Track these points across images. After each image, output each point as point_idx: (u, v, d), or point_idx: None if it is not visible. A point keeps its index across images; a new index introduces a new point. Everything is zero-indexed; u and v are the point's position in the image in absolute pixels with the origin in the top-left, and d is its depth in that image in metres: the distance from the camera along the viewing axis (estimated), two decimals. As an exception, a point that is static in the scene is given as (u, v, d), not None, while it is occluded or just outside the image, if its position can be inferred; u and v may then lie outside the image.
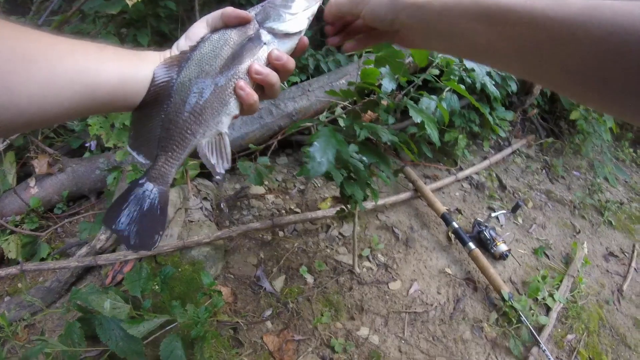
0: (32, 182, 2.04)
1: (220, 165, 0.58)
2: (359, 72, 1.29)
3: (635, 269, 2.29)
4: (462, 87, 1.49)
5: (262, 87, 0.59)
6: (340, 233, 2.01)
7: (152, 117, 0.55)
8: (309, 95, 2.10)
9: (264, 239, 1.93)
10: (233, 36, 0.57)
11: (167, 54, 0.56)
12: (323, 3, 0.64)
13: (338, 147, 1.07)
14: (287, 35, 0.60)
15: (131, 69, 0.52)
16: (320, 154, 1.06)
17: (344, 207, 1.51)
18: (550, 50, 0.42)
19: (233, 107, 0.57)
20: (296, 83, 2.26)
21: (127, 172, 1.93)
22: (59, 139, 2.31)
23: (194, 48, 0.56)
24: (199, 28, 0.58)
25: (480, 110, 2.14)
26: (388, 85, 1.34)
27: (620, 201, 2.84)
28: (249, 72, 0.57)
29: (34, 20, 2.33)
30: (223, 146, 0.58)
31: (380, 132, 1.12)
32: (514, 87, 2.37)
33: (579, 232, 2.45)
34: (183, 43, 0.57)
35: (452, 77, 1.75)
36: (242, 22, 0.59)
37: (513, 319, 1.75)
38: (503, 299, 1.77)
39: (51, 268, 1.71)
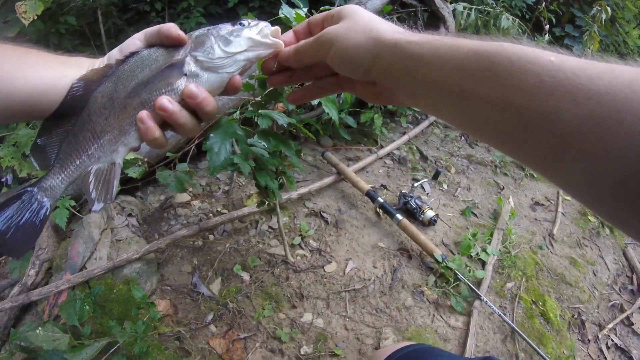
0: None
1: (99, 199, 0.53)
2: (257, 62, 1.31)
3: (562, 213, 2.46)
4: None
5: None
6: (269, 226, 2.02)
7: (59, 127, 0.52)
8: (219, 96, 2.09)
9: (195, 245, 1.92)
10: (159, 59, 0.52)
11: (96, 62, 0.54)
12: None
13: (235, 136, 1.09)
14: (215, 71, 0.53)
15: (53, 77, 0.49)
16: (218, 145, 1.07)
17: (263, 199, 1.53)
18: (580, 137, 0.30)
19: (132, 139, 0.52)
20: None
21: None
22: None
23: (119, 63, 0.52)
24: (134, 41, 0.54)
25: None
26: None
27: None
28: (154, 105, 0.50)
29: None
30: (111, 178, 0.53)
31: (277, 117, 1.15)
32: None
33: (503, 188, 2.60)
34: (115, 54, 0.54)
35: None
36: (176, 44, 0.53)
37: (450, 279, 1.83)
38: (437, 262, 1.86)
39: None
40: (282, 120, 1.13)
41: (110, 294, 1.67)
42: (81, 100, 0.51)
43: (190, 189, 2.16)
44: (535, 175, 2.78)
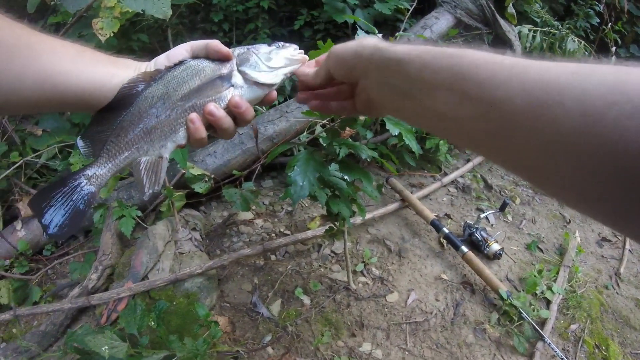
0: (18, 225, 2.03)
1: (148, 187, 0.58)
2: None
3: (630, 250, 2.31)
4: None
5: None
6: (332, 251, 2.00)
7: (109, 120, 0.56)
8: (287, 117, 2.11)
9: (257, 265, 1.92)
10: (207, 69, 0.58)
11: (143, 66, 0.58)
12: None
13: (318, 169, 1.07)
14: (258, 84, 0.60)
15: (104, 76, 0.53)
16: (302, 177, 1.07)
17: (332, 225, 1.51)
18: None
19: (181, 137, 0.58)
20: (274, 106, 2.28)
21: (113, 209, 1.91)
22: (42, 179, 2.30)
23: (168, 69, 0.58)
24: (181, 50, 0.60)
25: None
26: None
27: None
28: (203, 109, 0.57)
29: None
30: (159, 170, 0.59)
31: (359, 150, 1.13)
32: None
33: (569, 222, 2.47)
34: (162, 61, 0.59)
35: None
36: (222, 58, 0.59)
37: (514, 317, 1.75)
38: (502, 298, 1.77)
39: (44, 311, 1.70)
40: (366, 154, 1.11)
41: (170, 306, 1.69)
42: (130, 99, 0.56)
43: (254, 208, 2.18)
44: None
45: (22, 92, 0.47)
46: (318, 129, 1.84)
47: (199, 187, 1.90)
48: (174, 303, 1.71)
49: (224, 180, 2.09)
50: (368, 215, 2.08)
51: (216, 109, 0.57)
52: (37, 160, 2.17)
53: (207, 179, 1.91)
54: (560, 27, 3.09)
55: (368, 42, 0.52)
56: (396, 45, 0.48)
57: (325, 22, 2.76)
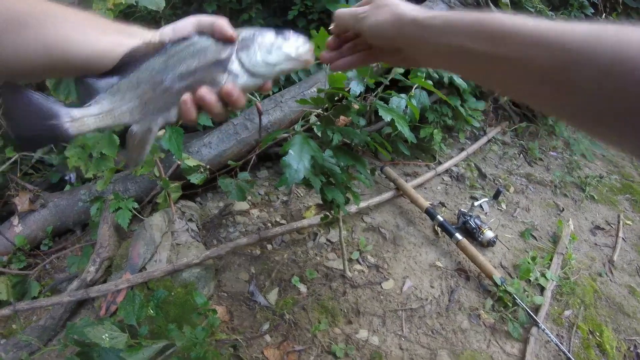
0: (15, 220, 2.03)
1: (135, 155, 0.60)
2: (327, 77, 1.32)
3: (623, 238, 2.34)
4: (430, 82, 1.53)
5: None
6: (327, 239, 2.02)
7: (110, 81, 0.57)
8: (282, 107, 2.12)
9: (253, 254, 1.94)
10: (207, 51, 0.58)
11: (149, 36, 0.58)
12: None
13: (313, 153, 1.08)
14: (253, 75, 0.60)
15: (110, 44, 0.54)
16: (296, 161, 1.07)
17: (327, 213, 1.52)
18: (552, 76, 0.39)
19: (172, 115, 0.59)
20: (269, 95, 2.28)
21: (110, 202, 1.92)
22: (38, 174, 2.30)
23: (174, 43, 0.58)
24: (187, 24, 0.59)
25: (451, 103, 2.18)
26: (356, 88, 1.36)
27: (600, 175, 2.90)
28: (196, 92, 0.57)
29: None
30: (146, 141, 0.60)
31: (353, 135, 1.14)
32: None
33: (563, 210, 2.50)
34: (167, 32, 0.59)
35: (419, 73, 1.78)
36: (226, 40, 0.59)
37: (509, 303, 1.77)
38: (496, 285, 1.80)
39: (44, 305, 1.71)
40: (359, 138, 1.12)
41: (168, 296, 1.70)
42: (131, 66, 0.56)
43: (250, 198, 2.19)
44: (596, 197, 2.66)
45: (33, 59, 0.49)
46: (312, 118, 1.85)
47: (195, 178, 1.91)
48: (172, 293, 1.72)
49: (219, 170, 2.10)
50: (363, 204, 2.10)
51: (208, 94, 0.57)
52: (33, 154, 2.16)
53: (202, 170, 1.92)
54: (553, 17, 3.09)
55: (405, 14, 0.55)
56: (433, 15, 0.52)
57: (319, 12, 2.75)
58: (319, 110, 1.57)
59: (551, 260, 2.05)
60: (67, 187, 2.19)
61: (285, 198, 2.27)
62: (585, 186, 2.72)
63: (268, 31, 0.61)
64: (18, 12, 0.47)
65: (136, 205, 1.96)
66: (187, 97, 0.57)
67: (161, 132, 2.00)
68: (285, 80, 2.45)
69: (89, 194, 2.08)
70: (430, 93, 2.18)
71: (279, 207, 2.23)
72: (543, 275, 1.95)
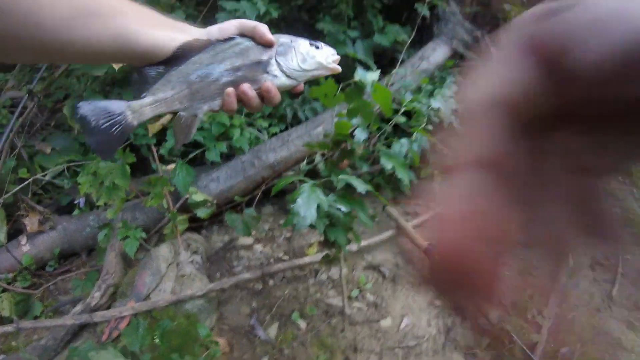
0: (23, 239, 2.09)
1: (181, 139, 0.68)
2: (334, 122, 1.40)
3: (622, 273, 2.35)
4: (430, 127, 1.61)
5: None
6: (328, 276, 2.06)
7: (161, 72, 0.65)
8: (288, 146, 2.20)
9: (255, 288, 1.98)
10: (250, 52, 0.67)
11: (197, 33, 0.67)
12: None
13: (319, 202, 1.16)
14: (289, 77, 0.69)
15: (165, 38, 0.62)
16: (304, 209, 1.15)
17: (329, 252, 1.58)
18: None
19: (216, 104, 0.67)
20: (276, 134, 2.36)
21: (118, 229, 1.98)
22: (47, 195, 2.36)
23: (220, 41, 0.66)
24: (231, 26, 0.68)
25: (452, 145, 2.24)
26: (360, 135, 1.44)
27: None
28: (239, 87, 0.66)
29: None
30: (192, 126, 0.68)
31: (355, 183, 1.21)
32: (481, 118, 2.50)
33: (562, 247, 2.53)
34: (214, 30, 0.67)
35: (421, 117, 1.87)
36: (265, 44, 0.68)
37: (505, 341, 1.79)
38: (492, 323, 1.82)
39: (47, 326, 1.76)
40: (361, 187, 1.19)
41: (171, 325, 1.74)
42: (182, 57, 0.64)
43: (254, 232, 2.24)
44: None
45: (100, 46, 0.56)
46: (317, 157, 1.92)
47: (202, 212, 1.97)
48: (175, 323, 1.76)
49: (225, 205, 2.17)
50: (364, 243, 2.15)
51: (249, 90, 0.66)
52: (44, 177, 2.23)
53: (209, 204, 1.99)
54: None
55: None
56: None
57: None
58: (325, 151, 1.65)
59: (549, 297, 2.08)
60: (76, 212, 2.25)
61: (288, 234, 2.32)
62: None
63: (303, 40, 0.70)
64: (89, 3, 0.54)
65: (144, 235, 2.02)
66: (230, 90, 0.66)
67: (171, 166, 2.08)
68: (292, 118, 2.54)
69: (98, 220, 2.14)
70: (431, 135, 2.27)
71: (282, 243, 2.28)
72: (540, 312, 1.96)
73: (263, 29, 0.67)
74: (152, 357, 1.56)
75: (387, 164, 1.33)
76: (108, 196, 1.98)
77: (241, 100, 0.67)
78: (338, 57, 0.71)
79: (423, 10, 2.68)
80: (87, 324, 1.79)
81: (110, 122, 0.62)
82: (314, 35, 2.71)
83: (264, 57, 0.68)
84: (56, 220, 2.15)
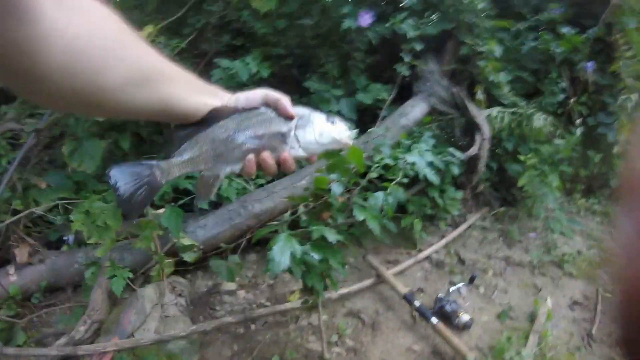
0: (11, 269, 2.14)
1: (203, 196, 0.74)
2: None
3: (602, 311, 2.41)
4: (406, 180, 1.73)
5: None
6: (309, 322, 2.13)
7: (190, 133, 0.71)
8: (273, 197, 2.31)
9: (237, 332, 2.04)
10: (272, 123, 0.72)
11: (226, 97, 0.73)
12: None
13: (292, 250, 1.27)
14: (305, 149, 0.74)
15: (201, 104, 0.68)
16: (279, 256, 1.26)
17: (308, 298, 1.67)
18: None
19: (237, 167, 0.72)
20: (262, 185, 2.48)
21: (106, 268, 2.04)
22: (37, 229, 2.41)
23: (246, 110, 0.72)
24: (257, 96, 0.73)
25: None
26: (337, 189, 1.57)
27: (578, 251, 2.99)
28: (259, 155, 0.71)
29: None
30: (214, 185, 0.73)
31: (327, 233, 1.33)
32: (456, 170, 2.65)
33: (541, 289, 2.58)
34: (242, 98, 0.73)
35: (397, 171, 2.01)
36: (286, 117, 0.73)
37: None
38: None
39: (31, 354, 1.80)
40: (332, 237, 1.30)
41: (153, 364, 1.78)
42: (211, 121, 0.70)
43: (237, 279, 2.32)
44: (574, 273, 2.74)
45: (148, 108, 0.62)
46: (301, 209, 2.04)
47: (189, 257, 2.06)
48: (158, 362, 1.81)
49: (211, 251, 2.25)
50: (344, 290, 2.23)
51: (269, 158, 0.71)
52: (35, 210, 2.27)
53: (196, 249, 2.07)
54: (526, 106, 3.28)
55: None
56: None
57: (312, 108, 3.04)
58: (307, 202, 1.77)
59: (527, 339, 2.12)
60: (65, 247, 2.32)
61: (271, 282, 2.40)
62: (562, 263, 2.81)
63: (320, 115, 0.75)
64: (143, 70, 0.60)
65: (131, 275, 2.08)
66: (251, 157, 0.71)
67: (161, 211, 2.18)
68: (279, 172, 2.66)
69: (86, 257, 2.20)
70: (408, 187, 2.40)
71: (265, 289, 2.35)
72: (518, 353, 2.01)
73: (285, 102, 0.72)
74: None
75: (360, 216, 1.44)
76: (99, 235, 2.05)
77: (260, 166, 0.72)
78: (350, 133, 0.76)
79: (403, 70, 2.88)
80: (70, 356, 1.82)
81: (139, 184, 0.67)
82: (303, 92, 2.91)
83: (284, 129, 0.73)
84: (45, 254, 2.22)
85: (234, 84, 2.51)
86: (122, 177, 0.66)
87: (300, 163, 1.97)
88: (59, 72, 0.50)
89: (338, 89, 2.92)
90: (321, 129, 0.74)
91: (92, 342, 1.89)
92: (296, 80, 3.10)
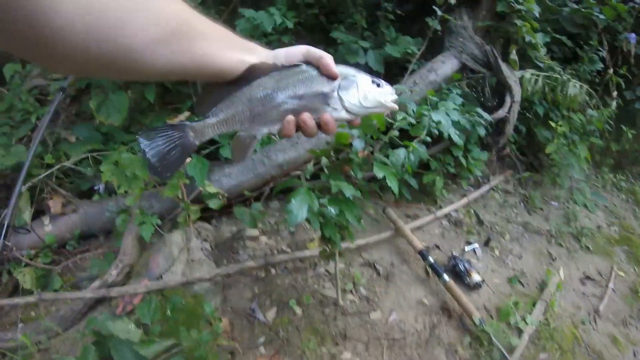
0: (46, 220, 2.27)
1: (237, 158, 0.71)
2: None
3: (613, 289, 2.45)
4: (429, 138, 1.74)
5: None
6: (326, 270, 2.23)
7: (225, 92, 0.67)
8: (297, 148, 2.35)
9: (258, 276, 2.16)
10: (313, 82, 0.68)
11: (264, 54, 0.69)
12: None
13: (310, 203, 1.33)
14: (348, 112, 0.70)
15: (237, 61, 0.64)
16: (297, 209, 1.32)
17: (326, 247, 1.74)
18: None
19: (275, 128, 0.68)
20: (288, 134, 2.52)
21: (136, 215, 2.17)
22: (68, 180, 2.52)
23: (285, 67, 0.68)
24: (297, 52, 0.69)
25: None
26: (358, 145, 1.60)
27: (598, 226, 3.00)
28: (299, 116, 0.67)
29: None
30: (250, 146, 0.70)
31: (345, 189, 1.37)
32: (482, 131, 2.62)
33: (555, 259, 2.63)
34: (281, 55, 0.69)
35: (422, 127, 2.01)
36: (329, 77, 0.69)
37: (485, 342, 1.92)
38: (475, 324, 1.96)
39: (68, 298, 1.94)
40: (350, 192, 1.35)
41: (180, 302, 1.93)
42: (248, 80, 0.67)
43: (260, 225, 2.42)
44: (591, 248, 2.77)
45: (181, 67, 0.58)
46: (324, 160, 2.08)
47: (213, 204, 2.15)
48: (183, 302, 1.95)
49: (235, 198, 2.34)
50: (362, 241, 2.30)
51: (309, 119, 0.66)
52: (66, 164, 2.38)
53: (221, 197, 2.16)
54: (562, 72, 3.21)
55: None
56: None
57: (337, 61, 3.01)
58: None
59: (534, 306, 2.19)
60: (96, 197, 2.44)
61: (292, 229, 2.49)
62: (581, 237, 2.83)
63: (365, 76, 0.71)
64: (173, 27, 0.55)
65: (159, 221, 2.20)
66: (291, 118, 0.67)
67: (188, 160, 2.26)
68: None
69: (116, 206, 2.32)
70: (430, 145, 2.40)
71: (286, 236, 2.45)
72: (523, 319, 2.08)
73: (329, 60, 0.68)
74: (161, 330, 1.75)
75: (379, 173, 1.48)
76: (128, 185, 2.16)
77: (299, 127, 0.67)
78: (396, 97, 0.72)
79: (434, 24, 2.79)
80: (103, 298, 1.97)
81: (171, 145, 0.64)
82: (329, 43, 2.87)
83: (327, 90, 0.68)
84: (78, 204, 2.34)
85: (258, 35, 2.49)
86: (151, 141, 0.64)
87: (341, 125, 1.97)
88: (71, 28, 0.45)
89: (366, 41, 2.87)
90: (366, 91, 0.70)
91: (123, 285, 2.03)
92: (323, 30, 3.05)
